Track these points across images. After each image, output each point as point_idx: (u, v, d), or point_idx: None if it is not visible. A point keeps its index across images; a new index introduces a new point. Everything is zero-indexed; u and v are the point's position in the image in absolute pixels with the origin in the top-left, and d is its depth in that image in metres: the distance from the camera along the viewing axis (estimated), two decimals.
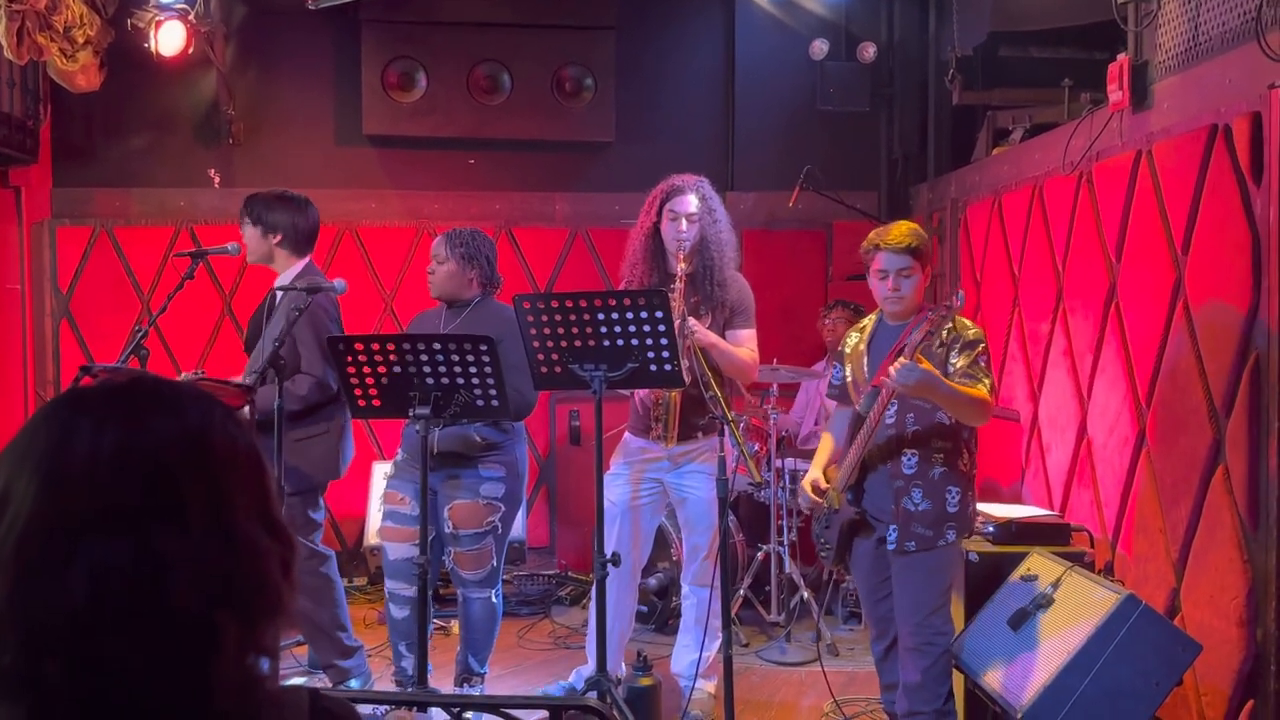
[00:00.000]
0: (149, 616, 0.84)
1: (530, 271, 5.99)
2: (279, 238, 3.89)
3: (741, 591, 4.86)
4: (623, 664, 3.93)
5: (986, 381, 3.14)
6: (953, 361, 3.16)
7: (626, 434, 3.97)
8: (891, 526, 3.22)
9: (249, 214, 3.91)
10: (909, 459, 3.21)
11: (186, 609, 0.85)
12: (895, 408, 3.21)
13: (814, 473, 3.44)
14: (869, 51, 5.86)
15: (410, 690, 3.51)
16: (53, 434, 0.88)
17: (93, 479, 0.86)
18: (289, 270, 3.90)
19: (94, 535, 0.84)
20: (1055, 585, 3.25)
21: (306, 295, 3.59)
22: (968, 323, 3.28)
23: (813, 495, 3.40)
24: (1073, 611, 3.11)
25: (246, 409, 3.44)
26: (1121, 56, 3.68)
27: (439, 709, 3.33)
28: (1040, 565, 3.42)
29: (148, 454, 0.88)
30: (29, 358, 5.73)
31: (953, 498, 3.20)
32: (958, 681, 3.47)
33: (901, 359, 3.04)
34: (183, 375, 3.81)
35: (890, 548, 3.22)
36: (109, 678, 0.84)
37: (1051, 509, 4.17)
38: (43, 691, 0.83)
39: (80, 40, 4.99)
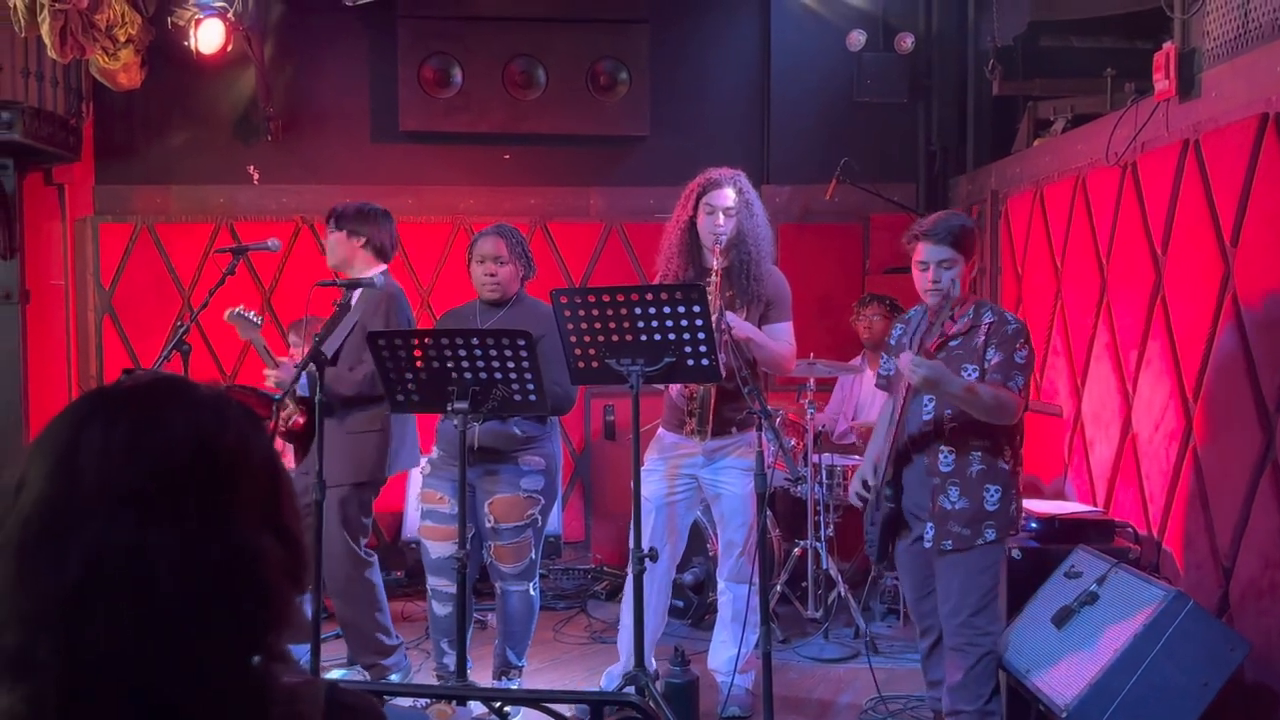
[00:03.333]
0: (138, 606, 0.86)
1: (565, 266, 5.99)
2: (363, 240, 3.93)
3: (778, 587, 4.83)
4: (653, 660, 3.92)
5: (1018, 378, 3.06)
6: (989, 357, 3.09)
7: (660, 429, 3.95)
8: (928, 524, 3.16)
9: (338, 219, 3.94)
10: (945, 455, 3.14)
11: (175, 603, 0.87)
12: (932, 403, 3.17)
13: (865, 467, 3.41)
14: (907, 42, 5.80)
15: (451, 684, 3.53)
16: (70, 425, 0.91)
17: (100, 468, 0.88)
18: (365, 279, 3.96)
19: (93, 520, 0.86)
20: (1100, 582, 3.21)
21: (348, 290, 3.63)
22: (1010, 316, 3.22)
23: (860, 489, 3.38)
24: (1119, 609, 3.07)
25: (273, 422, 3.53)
26: (1168, 45, 3.61)
27: (479, 701, 3.34)
28: (1085, 562, 3.38)
29: (156, 450, 0.90)
30: (72, 354, 5.81)
31: (991, 496, 3.12)
32: (1001, 679, 3.43)
33: (908, 352, 3.02)
34: (279, 361, 3.88)
35: (927, 546, 3.17)
36: (98, 666, 0.85)
37: (1095, 505, 4.12)
38: (38, 675, 0.85)
39: (122, 39, 5.04)
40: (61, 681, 0.85)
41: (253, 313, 3.95)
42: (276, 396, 3.62)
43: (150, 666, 0.86)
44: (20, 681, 0.85)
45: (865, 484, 3.36)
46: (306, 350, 3.51)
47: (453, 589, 3.63)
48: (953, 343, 3.16)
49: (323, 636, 3.92)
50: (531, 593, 3.81)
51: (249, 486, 0.93)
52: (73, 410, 0.93)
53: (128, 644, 0.85)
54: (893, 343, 3.42)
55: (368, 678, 3.90)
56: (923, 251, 3.15)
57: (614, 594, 5.36)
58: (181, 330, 3.84)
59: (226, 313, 3.92)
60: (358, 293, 3.82)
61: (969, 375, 3.10)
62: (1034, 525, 3.70)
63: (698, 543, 4.71)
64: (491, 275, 3.77)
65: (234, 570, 0.90)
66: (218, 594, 0.89)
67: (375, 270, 3.93)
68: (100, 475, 0.88)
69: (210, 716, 0.88)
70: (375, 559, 4.00)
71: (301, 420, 3.97)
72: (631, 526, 3.45)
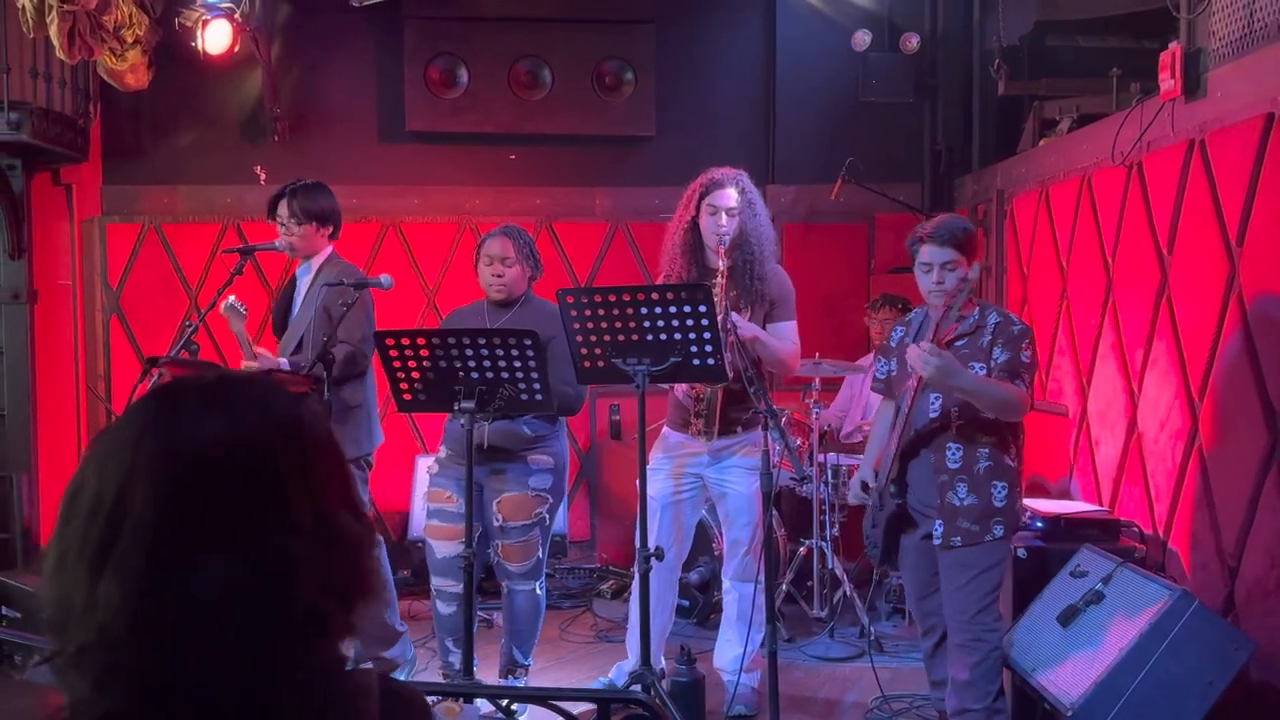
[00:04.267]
0: (272, 615, 0.87)
1: (571, 266, 6.00)
2: (331, 229, 3.95)
3: (784, 586, 4.84)
4: (663, 658, 3.93)
5: (1025, 377, 3.10)
6: (996, 356, 3.12)
7: (665, 428, 3.96)
8: (937, 521, 3.17)
9: (301, 213, 3.91)
10: (953, 452, 3.16)
11: (304, 605, 0.89)
12: (939, 400, 3.18)
13: (864, 469, 3.42)
14: (912, 42, 5.80)
15: (458, 682, 3.54)
16: (160, 438, 0.90)
17: (203, 479, 0.89)
18: (317, 257, 3.96)
19: (216, 546, 0.87)
20: (1106, 581, 3.21)
21: (354, 290, 3.63)
22: (1015, 318, 3.25)
23: (859, 490, 3.38)
24: (1124, 608, 3.08)
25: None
26: (1173, 45, 3.61)
27: (486, 699, 3.36)
28: (1090, 561, 3.39)
29: (250, 446, 0.91)
30: (80, 353, 5.84)
31: (999, 492, 3.14)
32: (1006, 678, 3.44)
33: (922, 344, 3.03)
34: (258, 353, 3.91)
35: (936, 543, 3.18)
36: (218, 672, 0.87)
37: (1100, 505, 4.12)
38: (147, 683, 0.86)
39: (129, 40, 5.06)
40: (152, 689, 0.86)
41: (242, 303, 3.95)
42: (302, 369, 3.65)
43: (267, 664, 0.87)
44: (108, 689, 0.86)
45: (865, 485, 3.37)
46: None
47: (458, 589, 3.64)
48: (959, 343, 3.18)
49: None
50: (538, 592, 3.83)
51: (329, 469, 0.95)
52: (152, 420, 0.91)
53: (254, 650, 0.87)
54: (893, 345, 3.42)
55: None
56: (927, 254, 3.18)
57: (620, 593, 5.37)
58: (189, 330, 3.85)
59: (222, 306, 3.92)
60: (309, 275, 3.90)
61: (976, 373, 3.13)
62: (1039, 524, 3.70)
63: (703, 542, 4.72)
64: (499, 276, 3.78)
65: (341, 561, 0.92)
66: (333, 586, 0.91)
67: (328, 250, 3.97)
68: (204, 488, 0.88)
69: (286, 711, 0.89)
70: (381, 541, 4.01)
71: None
72: (637, 525, 3.46)
